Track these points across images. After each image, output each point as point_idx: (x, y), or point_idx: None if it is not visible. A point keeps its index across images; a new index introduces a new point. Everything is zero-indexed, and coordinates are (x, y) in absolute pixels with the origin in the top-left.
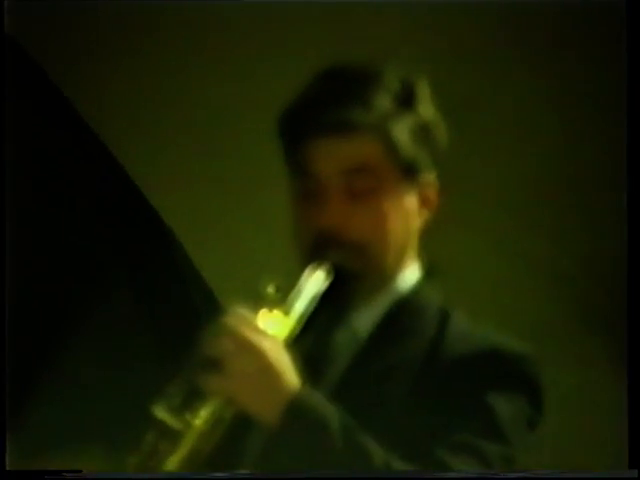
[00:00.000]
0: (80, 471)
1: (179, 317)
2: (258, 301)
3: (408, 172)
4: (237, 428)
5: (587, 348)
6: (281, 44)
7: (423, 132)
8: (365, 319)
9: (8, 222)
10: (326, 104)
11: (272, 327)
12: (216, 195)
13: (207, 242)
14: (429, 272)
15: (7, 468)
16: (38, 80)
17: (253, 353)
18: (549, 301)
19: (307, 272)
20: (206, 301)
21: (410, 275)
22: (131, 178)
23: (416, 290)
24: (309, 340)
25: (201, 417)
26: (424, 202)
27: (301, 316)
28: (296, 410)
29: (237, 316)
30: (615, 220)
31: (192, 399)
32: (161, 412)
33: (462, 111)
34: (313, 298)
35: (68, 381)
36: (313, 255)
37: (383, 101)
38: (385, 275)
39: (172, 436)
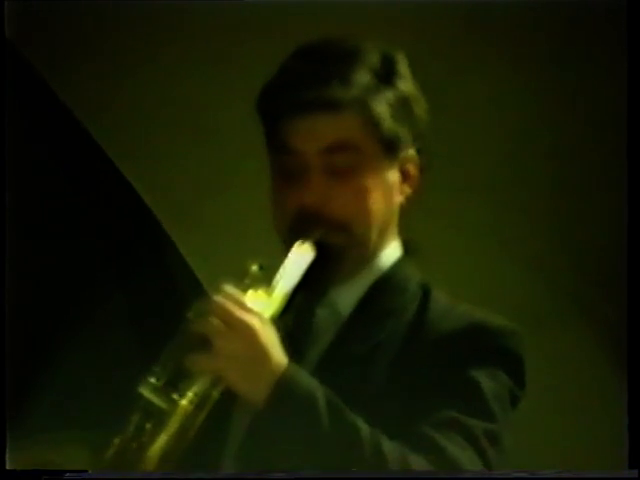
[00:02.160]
0: (84, 471)
1: (162, 299)
2: (242, 280)
3: (389, 148)
4: (223, 406)
5: (587, 348)
6: (264, 29)
7: (403, 107)
8: (347, 297)
9: (7, 223)
10: (305, 81)
11: (257, 305)
12: (197, 175)
13: (188, 223)
14: (409, 249)
15: (7, 468)
16: (37, 85)
17: (242, 332)
18: (547, 303)
19: (291, 250)
20: (189, 282)
21: (391, 252)
22: (115, 165)
23: (397, 267)
24: (290, 317)
25: (188, 396)
26: (405, 178)
27: (285, 294)
28: (284, 388)
29: (225, 294)
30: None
31: (178, 378)
32: (147, 392)
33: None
34: (297, 276)
35: (68, 381)
36: (294, 233)
37: (363, 77)
38: (367, 252)
39: (159, 416)
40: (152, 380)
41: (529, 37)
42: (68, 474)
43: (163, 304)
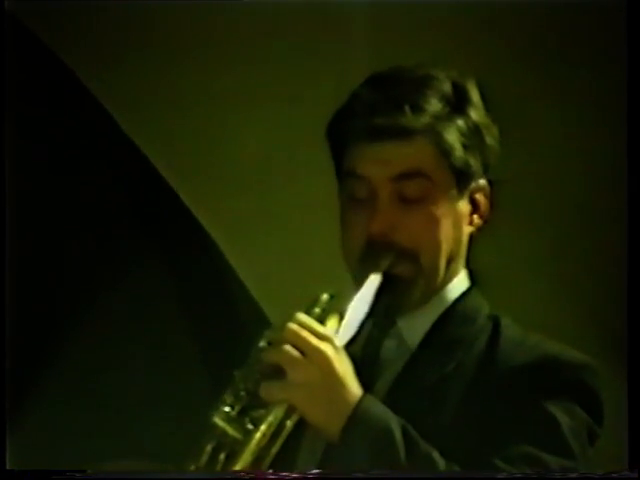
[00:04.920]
0: (84, 471)
1: (223, 326)
2: (312, 308)
3: (460, 177)
4: (293, 436)
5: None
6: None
7: (475, 136)
8: (415, 327)
9: (10, 223)
10: (377, 108)
11: (331, 333)
12: (262, 198)
13: (252, 251)
14: (477, 280)
15: (7, 468)
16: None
17: (317, 360)
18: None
19: (361, 279)
20: (249, 310)
21: (460, 283)
22: (169, 185)
23: (466, 298)
24: (358, 348)
25: (262, 427)
26: (475, 208)
27: (356, 324)
28: (360, 419)
29: (299, 321)
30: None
31: (251, 407)
32: (222, 421)
33: None
34: (367, 306)
35: (68, 381)
36: (363, 261)
37: (435, 105)
38: (436, 282)
39: (233, 446)
40: (226, 409)
41: (529, 38)
42: (70, 474)
43: (224, 331)
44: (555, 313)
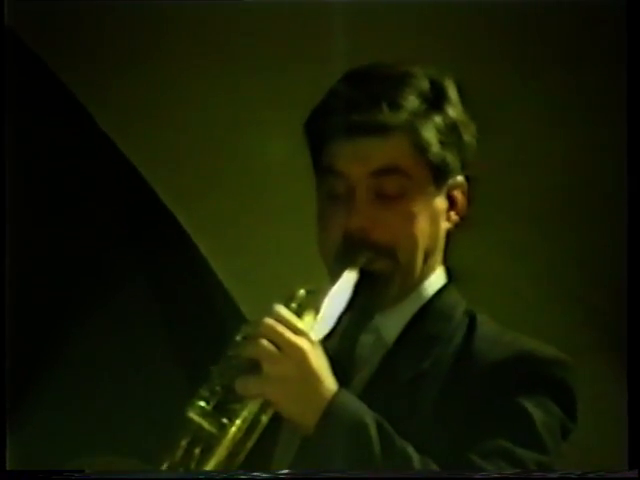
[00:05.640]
0: (82, 471)
1: (201, 322)
2: (289, 303)
3: (437, 174)
4: (270, 430)
5: (587, 348)
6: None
7: (452, 133)
8: (392, 323)
9: (10, 223)
10: (354, 104)
11: (307, 328)
12: (238, 197)
13: (229, 248)
14: (454, 276)
15: (7, 468)
16: (41, 75)
17: (293, 355)
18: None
19: (338, 275)
20: (227, 306)
21: (436, 279)
22: (148, 183)
23: (442, 294)
24: (334, 342)
25: (238, 421)
26: (453, 205)
27: (332, 319)
28: (335, 413)
29: (276, 315)
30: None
31: (226, 402)
32: (197, 416)
33: None
34: (344, 301)
35: (68, 381)
36: (340, 257)
37: (412, 101)
38: (413, 278)
39: (208, 440)
40: (201, 404)
41: (528, 38)
42: (69, 474)
43: (202, 327)
44: (535, 309)
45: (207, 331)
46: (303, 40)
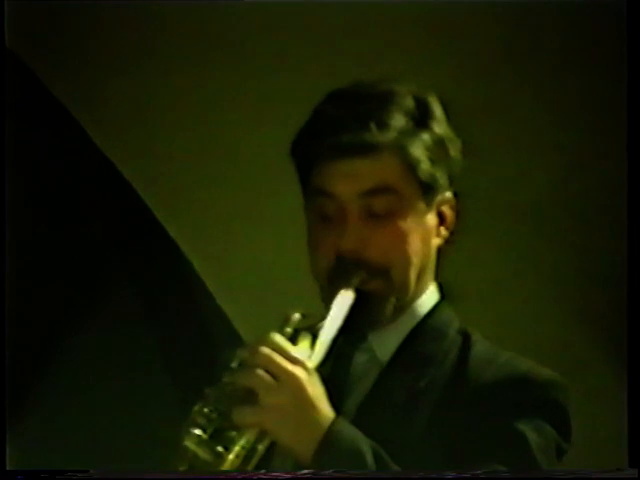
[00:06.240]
0: (86, 471)
1: (194, 343)
2: (283, 328)
3: (426, 191)
4: (265, 460)
5: (587, 349)
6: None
7: (439, 150)
8: (386, 342)
9: (10, 224)
10: (341, 125)
11: (302, 355)
12: (233, 218)
13: (224, 268)
14: (447, 293)
15: (7, 468)
16: (39, 93)
17: (289, 384)
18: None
19: (335, 298)
20: (222, 327)
21: (429, 296)
22: (148, 206)
23: (436, 312)
24: (329, 364)
25: (235, 450)
26: (442, 220)
27: (328, 343)
28: (332, 443)
29: (271, 343)
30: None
31: (223, 431)
32: (193, 445)
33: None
34: (338, 324)
35: (68, 382)
36: (334, 278)
37: (399, 120)
38: (406, 297)
39: (204, 468)
40: (197, 432)
41: (528, 39)
42: (72, 474)
43: (196, 349)
44: (531, 324)
45: (201, 351)
46: (303, 40)
